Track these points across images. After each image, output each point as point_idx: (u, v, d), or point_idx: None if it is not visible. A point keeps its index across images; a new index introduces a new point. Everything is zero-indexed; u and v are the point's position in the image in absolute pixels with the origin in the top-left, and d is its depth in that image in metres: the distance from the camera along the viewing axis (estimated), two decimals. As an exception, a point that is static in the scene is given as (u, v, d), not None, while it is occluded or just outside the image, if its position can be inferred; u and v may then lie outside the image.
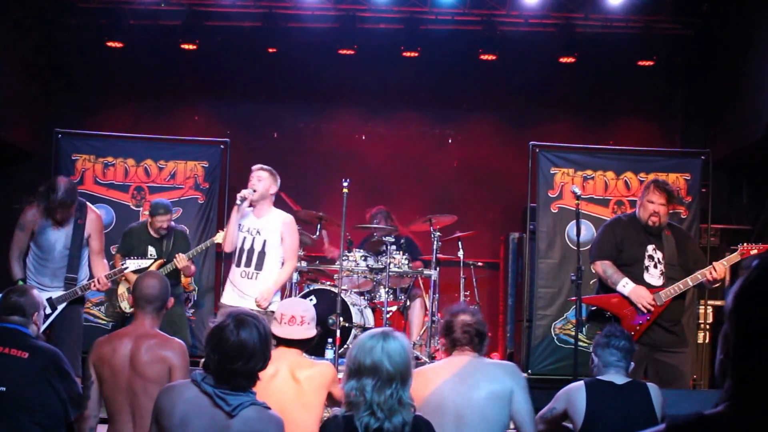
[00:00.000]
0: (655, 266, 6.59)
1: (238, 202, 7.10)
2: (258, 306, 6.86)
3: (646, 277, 6.58)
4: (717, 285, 6.74)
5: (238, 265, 7.16)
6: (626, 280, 6.52)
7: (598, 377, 4.73)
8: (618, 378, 4.68)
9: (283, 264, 7.20)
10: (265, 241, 7.11)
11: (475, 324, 4.47)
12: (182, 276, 8.11)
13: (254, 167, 7.29)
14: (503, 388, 4.29)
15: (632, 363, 4.83)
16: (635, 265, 6.62)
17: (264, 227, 7.15)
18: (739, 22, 9.77)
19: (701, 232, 9.31)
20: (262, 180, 7.17)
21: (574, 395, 4.66)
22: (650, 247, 6.62)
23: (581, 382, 4.72)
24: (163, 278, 4.87)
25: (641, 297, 6.42)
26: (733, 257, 6.46)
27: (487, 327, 4.59)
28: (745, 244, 6.58)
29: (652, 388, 4.70)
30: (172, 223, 8.11)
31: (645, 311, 6.39)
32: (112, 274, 7.13)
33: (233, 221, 7.16)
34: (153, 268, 7.82)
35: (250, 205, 7.20)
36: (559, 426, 4.88)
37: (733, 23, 9.92)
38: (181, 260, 7.70)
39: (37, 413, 4.59)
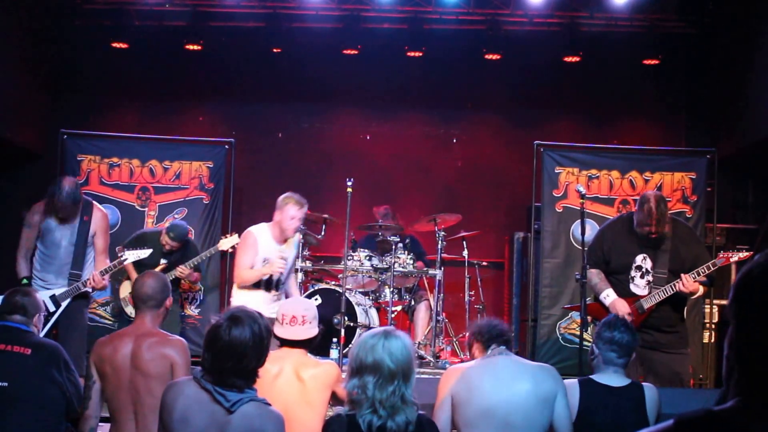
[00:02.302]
0: (642, 276, 6.56)
1: (278, 269, 6.74)
2: None
3: (632, 287, 6.58)
4: (697, 296, 6.73)
5: (268, 290, 6.89)
6: (608, 291, 6.56)
7: (593, 377, 4.65)
8: (615, 379, 4.58)
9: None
10: (290, 266, 7.09)
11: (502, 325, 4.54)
12: (185, 281, 8.17)
13: (293, 211, 6.85)
14: (550, 392, 4.24)
15: (634, 354, 4.76)
16: (622, 275, 6.64)
17: (289, 254, 7.05)
18: (744, 20, 9.75)
19: (707, 231, 9.30)
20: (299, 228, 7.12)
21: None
22: (639, 257, 6.57)
23: (574, 381, 4.63)
24: (161, 277, 4.86)
25: (617, 310, 6.43)
26: (711, 265, 6.34)
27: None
28: (725, 252, 6.52)
29: (649, 390, 4.59)
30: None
31: None
32: (111, 266, 7.11)
33: (258, 275, 6.77)
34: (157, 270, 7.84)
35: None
36: None
37: (739, 21, 9.90)
38: (182, 271, 7.75)
39: (39, 409, 4.62)
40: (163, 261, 7.92)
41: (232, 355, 3.45)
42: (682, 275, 6.32)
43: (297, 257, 7.26)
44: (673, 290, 6.37)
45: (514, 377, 4.22)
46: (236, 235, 7.86)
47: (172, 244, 7.85)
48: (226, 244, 7.86)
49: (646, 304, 6.45)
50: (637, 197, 7.16)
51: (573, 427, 4.35)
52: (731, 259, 6.41)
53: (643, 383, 4.73)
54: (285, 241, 6.92)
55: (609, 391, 4.55)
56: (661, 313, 6.49)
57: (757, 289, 1.63)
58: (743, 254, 6.44)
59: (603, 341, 4.66)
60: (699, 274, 6.33)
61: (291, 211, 6.84)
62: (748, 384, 1.61)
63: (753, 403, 1.57)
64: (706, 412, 1.62)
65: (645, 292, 6.52)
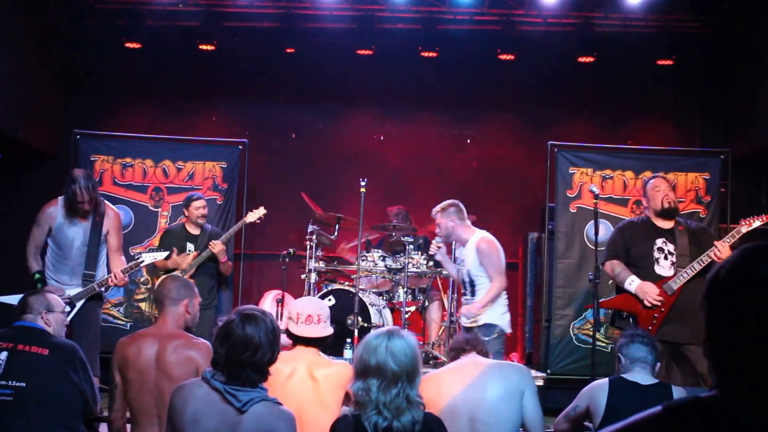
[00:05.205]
0: (666, 258, 6.58)
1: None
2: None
3: (657, 269, 6.58)
4: None
5: (464, 294, 7.38)
6: (632, 278, 6.55)
7: (623, 375, 4.69)
8: (644, 377, 4.63)
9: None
10: (468, 270, 7.20)
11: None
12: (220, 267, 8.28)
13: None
14: (515, 387, 4.28)
15: (659, 362, 4.78)
16: (645, 260, 6.62)
17: (466, 257, 7.26)
18: (758, 20, 9.70)
19: (720, 231, 9.25)
20: (440, 227, 7.41)
21: (597, 393, 4.62)
22: (659, 241, 6.61)
23: (605, 380, 4.68)
24: (179, 278, 4.87)
25: (646, 293, 6.44)
26: (736, 233, 6.43)
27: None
28: (744, 219, 6.55)
29: (677, 391, 4.63)
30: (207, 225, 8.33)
31: (650, 306, 6.38)
32: (129, 267, 7.14)
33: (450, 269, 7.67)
34: (189, 259, 7.95)
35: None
36: (582, 425, 4.85)
37: (753, 21, 9.85)
38: (216, 245, 7.98)
39: (56, 409, 4.62)
40: (190, 246, 8.05)
41: (247, 347, 3.46)
42: (716, 242, 6.37)
43: (481, 265, 7.23)
44: (708, 260, 6.36)
45: (479, 376, 4.29)
46: (262, 207, 8.36)
47: (200, 206, 8.26)
48: (252, 216, 8.29)
49: (675, 285, 6.42)
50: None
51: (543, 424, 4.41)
52: (753, 224, 6.46)
53: (672, 384, 4.76)
54: None
55: (637, 389, 4.59)
56: (686, 297, 6.41)
57: (723, 290, 1.69)
58: (765, 218, 6.50)
59: (625, 345, 4.77)
60: (726, 243, 6.38)
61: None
62: (724, 375, 1.68)
63: (732, 392, 1.64)
64: (694, 399, 1.68)
65: (671, 272, 6.51)
